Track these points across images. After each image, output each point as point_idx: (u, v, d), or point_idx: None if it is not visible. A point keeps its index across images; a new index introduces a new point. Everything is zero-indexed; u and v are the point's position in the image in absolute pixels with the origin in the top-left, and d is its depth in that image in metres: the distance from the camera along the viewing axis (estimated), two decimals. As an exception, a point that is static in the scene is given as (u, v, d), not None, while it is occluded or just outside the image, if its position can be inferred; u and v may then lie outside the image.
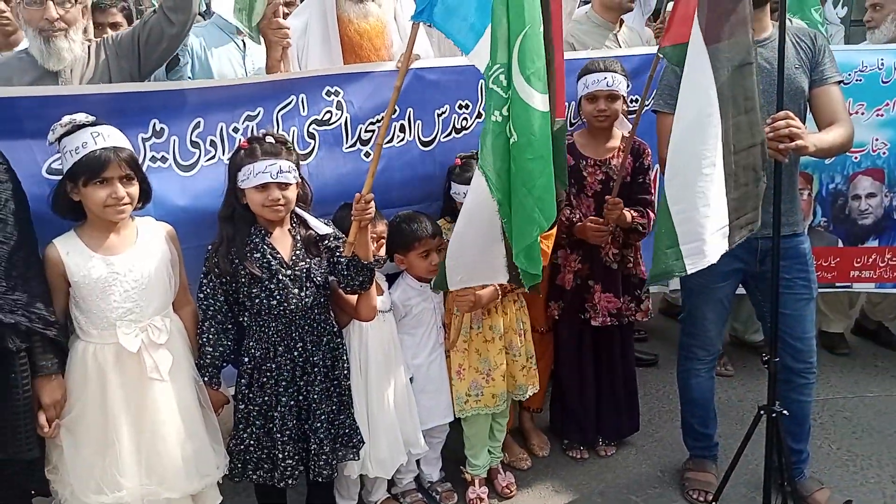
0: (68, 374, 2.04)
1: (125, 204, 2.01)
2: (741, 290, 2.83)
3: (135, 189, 2.04)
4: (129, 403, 2.05)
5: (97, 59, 2.49)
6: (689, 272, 2.18)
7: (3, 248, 1.87)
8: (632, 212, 2.78)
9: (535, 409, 3.21)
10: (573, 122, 3.08)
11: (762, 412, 2.44)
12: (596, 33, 3.50)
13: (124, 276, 2.04)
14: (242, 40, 3.12)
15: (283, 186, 2.19)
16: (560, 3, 2.36)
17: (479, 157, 2.15)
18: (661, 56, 2.54)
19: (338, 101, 2.61)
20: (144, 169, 2.15)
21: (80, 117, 1.99)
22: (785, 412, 2.42)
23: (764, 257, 2.59)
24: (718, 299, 2.74)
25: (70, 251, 2.02)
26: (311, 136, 2.59)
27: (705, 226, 2.15)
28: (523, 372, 2.83)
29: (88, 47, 2.48)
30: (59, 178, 2.05)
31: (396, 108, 2.67)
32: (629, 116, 2.89)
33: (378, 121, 2.67)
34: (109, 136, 2.00)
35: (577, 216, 2.86)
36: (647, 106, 2.61)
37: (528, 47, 2.03)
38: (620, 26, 3.57)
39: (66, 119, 1.98)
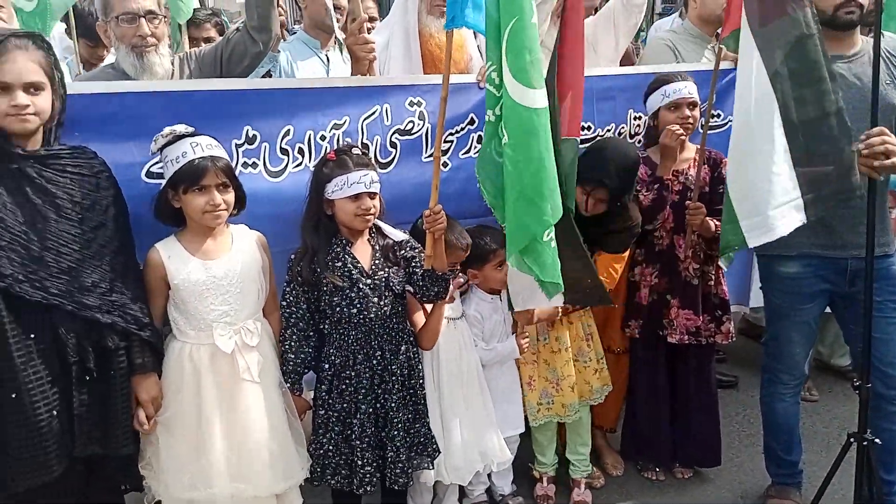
0: (165, 374, 2.12)
1: (221, 210, 2.09)
2: (826, 310, 2.72)
3: (230, 196, 2.12)
4: (222, 403, 2.11)
5: (181, 74, 2.59)
6: (750, 245, 2.28)
7: (104, 251, 1.96)
8: (714, 221, 2.71)
9: (608, 429, 3.16)
10: (631, 136, 3.05)
11: (852, 440, 2.33)
12: (692, 45, 3.47)
13: (220, 280, 2.12)
14: (326, 55, 3.22)
15: (373, 196, 2.25)
16: (580, 21, 2.29)
17: (477, 162, 2.17)
18: (724, 48, 2.51)
19: (420, 112, 2.65)
20: (236, 174, 2.22)
21: (181, 128, 2.09)
22: (877, 440, 2.31)
23: (854, 278, 2.50)
24: (805, 321, 2.65)
25: (171, 255, 2.11)
26: (393, 144, 2.64)
27: (767, 201, 2.21)
28: (596, 375, 2.84)
29: (172, 62, 2.58)
30: (158, 181, 2.16)
31: (474, 118, 2.73)
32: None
33: (457, 131, 2.71)
34: (207, 146, 2.08)
35: (658, 230, 2.82)
36: (715, 116, 2.57)
37: (517, 41, 1.99)
38: (718, 39, 3.52)
39: (167, 130, 2.08)
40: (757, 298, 3.19)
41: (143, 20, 2.40)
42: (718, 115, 3.11)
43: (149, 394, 2.06)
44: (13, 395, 1.82)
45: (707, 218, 2.69)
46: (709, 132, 2.75)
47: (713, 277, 2.87)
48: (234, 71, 2.58)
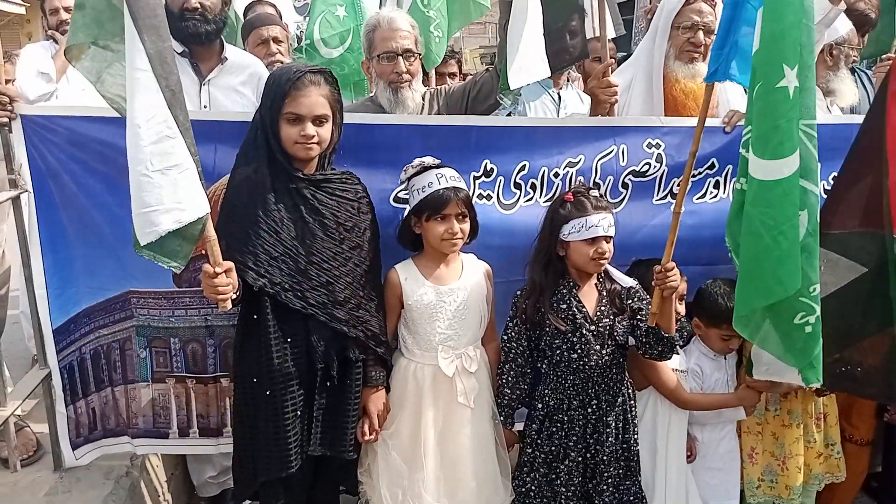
0: (392, 388, 2.24)
1: (458, 239, 2.18)
2: None
3: (467, 226, 2.20)
4: (438, 423, 2.19)
5: (430, 109, 2.75)
6: None
7: (358, 269, 2.12)
8: None
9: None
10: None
11: None
12: None
13: (449, 305, 2.20)
14: (558, 93, 3.23)
15: (608, 239, 2.20)
16: None
17: (727, 228, 2.07)
18: None
19: (658, 154, 2.57)
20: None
21: (428, 160, 2.22)
22: None
23: None
24: None
25: (408, 277, 2.23)
26: (625, 185, 2.58)
27: None
28: (819, 460, 2.56)
29: (423, 96, 2.74)
30: (402, 206, 2.30)
31: (715, 163, 2.61)
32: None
33: (694, 175, 2.57)
34: (451, 178, 2.18)
35: None
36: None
37: (760, 106, 1.85)
38: None
39: (416, 161, 2.22)
40: None
41: (400, 58, 2.59)
42: None
43: (376, 407, 2.18)
44: (268, 392, 2.02)
45: None
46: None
47: None
48: (478, 109, 2.68)
